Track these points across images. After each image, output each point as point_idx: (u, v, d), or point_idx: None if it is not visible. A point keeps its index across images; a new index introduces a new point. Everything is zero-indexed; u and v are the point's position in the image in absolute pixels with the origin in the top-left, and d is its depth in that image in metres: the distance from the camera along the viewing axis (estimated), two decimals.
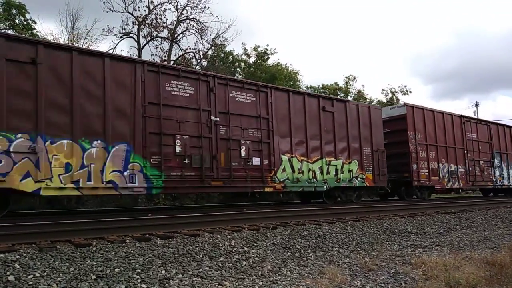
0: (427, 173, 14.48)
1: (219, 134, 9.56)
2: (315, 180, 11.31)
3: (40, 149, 7.15)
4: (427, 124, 14.84)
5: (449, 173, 15.46)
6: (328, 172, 11.63)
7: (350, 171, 12.24)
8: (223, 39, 20.75)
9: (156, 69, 8.92)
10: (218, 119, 9.59)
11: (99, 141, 7.87)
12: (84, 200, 11.87)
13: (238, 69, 24.65)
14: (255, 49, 24.21)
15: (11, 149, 6.88)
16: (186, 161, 8.96)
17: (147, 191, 8.54)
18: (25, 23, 16.05)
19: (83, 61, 7.89)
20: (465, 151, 16.32)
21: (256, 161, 10.17)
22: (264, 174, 10.23)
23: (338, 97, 21.76)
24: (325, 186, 11.57)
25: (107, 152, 7.91)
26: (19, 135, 7.01)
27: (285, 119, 10.91)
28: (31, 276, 3.81)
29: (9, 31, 15.78)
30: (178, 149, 8.86)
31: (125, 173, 8.09)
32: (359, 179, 12.44)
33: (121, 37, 18.58)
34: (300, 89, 22.11)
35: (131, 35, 18.68)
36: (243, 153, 9.91)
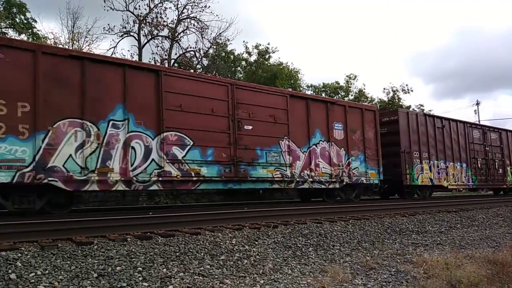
0: None
1: (489, 156, 18.33)
2: None
3: (447, 167, 15.93)
4: None
5: None
6: None
7: None
8: (225, 39, 20.76)
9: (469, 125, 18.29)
10: (488, 148, 18.33)
11: (458, 163, 16.52)
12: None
13: (239, 68, 24.61)
14: (256, 47, 24.16)
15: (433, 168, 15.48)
16: (481, 171, 17.73)
17: (471, 187, 17.69)
18: (25, 22, 16.05)
19: (454, 126, 16.84)
20: None
21: (500, 170, 18.99)
22: (504, 178, 19.10)
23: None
24: None
25: (461, 167, 16.63)
26: (442, 161, 15.72)
27: (507, 147, 19.63)
28: (33, 274, 3.81)
29: (9, 30, 15.81)
30: (478, 165, 17.66)
31: (465, 178, 16.83)
32: None
33: (121, 35, 18.62)
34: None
35: (131, 33, 18.72)
36: (496, 166, 18.64)
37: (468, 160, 16.99)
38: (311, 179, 11.15)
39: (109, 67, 8.15)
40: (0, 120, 6.79)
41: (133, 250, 4.76)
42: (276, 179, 10.40)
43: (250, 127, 10.04)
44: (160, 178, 8.48)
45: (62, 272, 3.93)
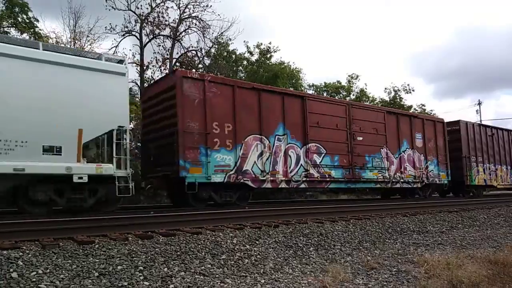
0: None
1: None
2: None
3: (496, 169, 19.19)
4: None
5: None
6: None
7: None
8: (227, 38, 20.70)
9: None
10: None
11: (505, 166, 19.31)
12: None
13: (240, 67, 24.56)
14: (258, 46, 24.09)
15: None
16: None
17: None
18: (27, 21, 16.07)
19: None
20: None
21: None
22: None
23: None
24: None
25: (507, 170, 19.52)
26: (492, 164, 18.59)
27: None
28: (34, 273, 3.82)
29: (12, 29, 15.82)
30: None
31: (510, 179, 19.43)
32: None
33: (123, 35, 18.60)
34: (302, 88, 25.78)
35: (133, 33, 18.67)
36: None
37: (511, 163, 20.11)
38: (402, 180, 14.05)
39: (273, 96, 10.96)
40: (216, 137, 9.59)
41: (134, 249, 4.77)
42: (379, 180, 13.34)
43: (361, 138, 12.85)
44: (307, 179, 11.25)
45: (63, 271, 3.94)
